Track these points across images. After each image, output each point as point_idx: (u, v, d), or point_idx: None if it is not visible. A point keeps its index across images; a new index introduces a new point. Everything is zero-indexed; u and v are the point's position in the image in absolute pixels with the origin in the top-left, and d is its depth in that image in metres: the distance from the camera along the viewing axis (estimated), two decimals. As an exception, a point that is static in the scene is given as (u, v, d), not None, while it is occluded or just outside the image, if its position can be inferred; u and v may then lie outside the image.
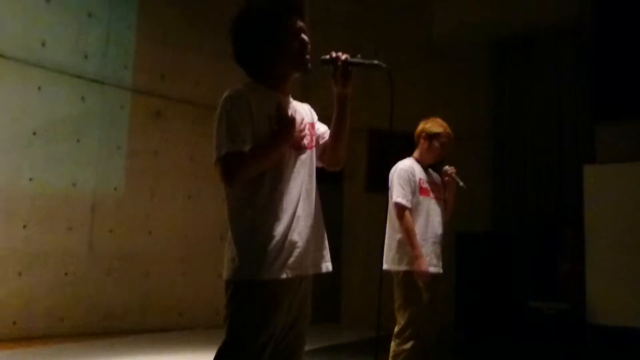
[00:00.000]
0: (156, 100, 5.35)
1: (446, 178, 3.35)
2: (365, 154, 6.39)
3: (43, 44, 4.58)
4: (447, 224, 3.46)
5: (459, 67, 6.48)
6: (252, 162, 1.76)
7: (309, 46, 1.88)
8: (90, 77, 4.90)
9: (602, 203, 4.82)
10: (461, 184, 3.37)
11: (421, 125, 3.41)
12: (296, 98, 2.01)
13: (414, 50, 6.42)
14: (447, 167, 3.38)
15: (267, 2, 1.88)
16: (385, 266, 3.17)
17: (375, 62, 1.84)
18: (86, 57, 4.88)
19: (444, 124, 3.38)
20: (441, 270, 3.28)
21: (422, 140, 3.38)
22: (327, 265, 1.93)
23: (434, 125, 3.37)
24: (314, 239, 1.87)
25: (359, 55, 1.86)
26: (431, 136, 3.34)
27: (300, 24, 1.88)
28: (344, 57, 1.84)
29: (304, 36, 1.87)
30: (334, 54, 1.85)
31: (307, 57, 1.87)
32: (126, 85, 5.16)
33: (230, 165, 1.74)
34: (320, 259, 1.91)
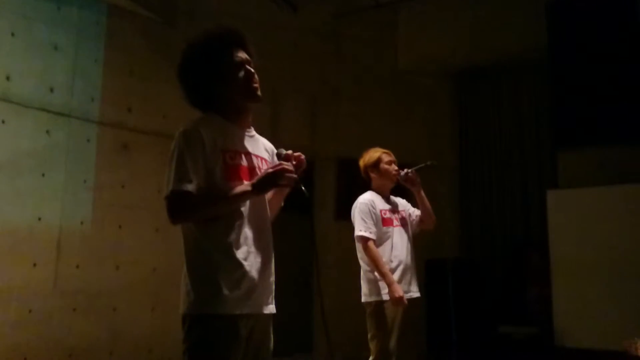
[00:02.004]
0: (123, 132, 5.30)
1: (409, 174, 3.35)
2: (334, 183, 6.43)
3: (8, 78, 4.52)
4: (433, 225, 3.47)
5: (424, 97, 6.64)
6: (205, 205, 1.76)
7: (255, 76, 1.89)
8: (56, 110, 4.83)
9: (565, 227, 4.95)
10: (427, 163, 3.42)
11: (361, 162, 3.47)
12: (264, 129, 2.03)
13: (379, 82, 6.55)
14: (401, 174, 3.39)
15: (205, 40, 1.91)
16: (362, 299, 3.25)
17: (307, 194, 1.83)
18: (52, 90, 4.82)
19: (378, 148, 3.47)
20: (416, 294, 3.32)
21: (371, 173, 3.44)
22: (273, 308, 1.89)
23: (370, 154, 3.46)
24: (268, 278, 1.86)
25: (302, 184, 1.85)
26: (375, 164, 3.42)
27: (242, 55, 1.89)
28: (292, 172, 1.80)
29: (248, 67, 1.88)
30: (290, 155, 1.86)
31: (255, 85, 1.88)
32: (93, 118, 5.10)
33: (174, 204, 1.73)
34: (270, 297, 1.88)
